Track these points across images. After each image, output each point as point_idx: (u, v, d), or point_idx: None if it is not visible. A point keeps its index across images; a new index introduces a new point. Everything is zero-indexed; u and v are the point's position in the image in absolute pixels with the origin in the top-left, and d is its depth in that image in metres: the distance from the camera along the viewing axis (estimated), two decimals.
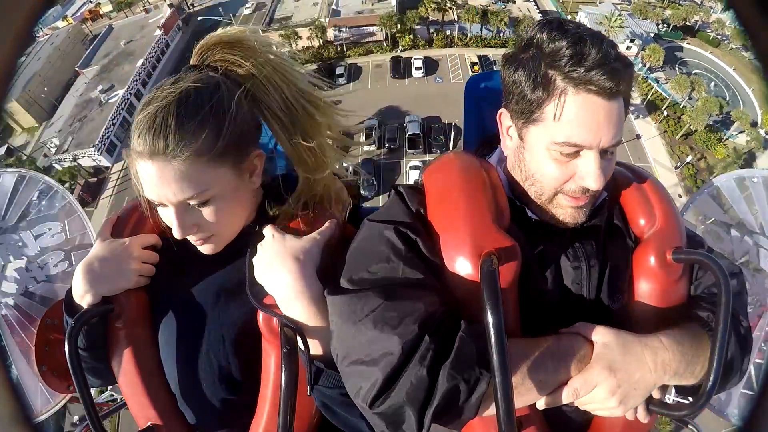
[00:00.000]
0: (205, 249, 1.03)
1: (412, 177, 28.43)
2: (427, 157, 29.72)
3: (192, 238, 1.00)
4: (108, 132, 32.10)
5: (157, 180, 0.90)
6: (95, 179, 31.38)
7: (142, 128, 0.89)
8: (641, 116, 33.16)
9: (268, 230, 1.00)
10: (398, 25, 40.45)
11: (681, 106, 32.96)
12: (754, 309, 1.58)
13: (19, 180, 1.72)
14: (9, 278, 1.66)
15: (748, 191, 1.61)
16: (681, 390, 0.97)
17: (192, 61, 1.00)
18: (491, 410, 0.79)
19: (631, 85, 0.89)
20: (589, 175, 0.88)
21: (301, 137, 1.00)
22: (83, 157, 31.25)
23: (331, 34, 40.33)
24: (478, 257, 0.85)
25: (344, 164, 1.20)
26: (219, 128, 0.92)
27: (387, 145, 29.80)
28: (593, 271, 0.97)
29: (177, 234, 0.95)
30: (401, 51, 39.86)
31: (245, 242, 1.04)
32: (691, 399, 0.90)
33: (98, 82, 37.20)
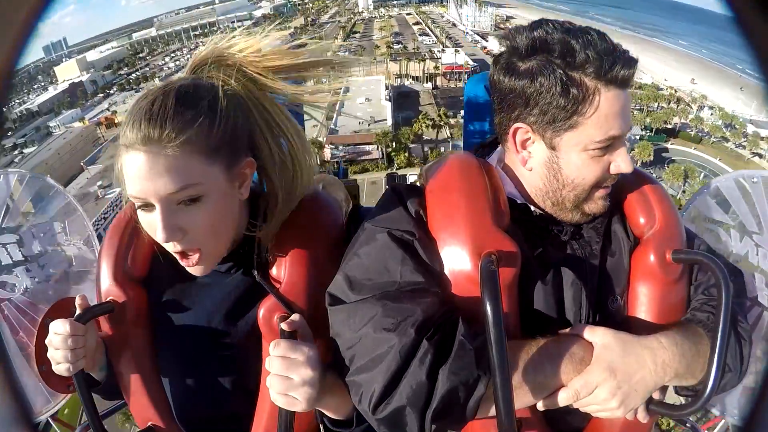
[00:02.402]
0: (196, 270, 0.97)
1: None
2: None
3: (177, 251, 0.93)
4: (98, 225, 32.53)
5: (146, 171, 0.85)
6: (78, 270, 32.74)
7: (136, 117, 0.86)
8: None
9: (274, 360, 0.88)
10: (393, 143, 41.87)
11: (677, 198, 33.64)
12: (754, 309, 1.57)
13: (19, 180, 1.71)
14: (9, 278, 1.66)
15: (748, 191, 1.61)
16: (681, 390, 0.97)
17: (185, 74, 0.99)
18: (491, 411, 0.80)
19: None
20: (624, 161, 0.93)
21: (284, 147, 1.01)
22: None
23: (328, 153, 41.45)
24: (477, 258, 0.85)
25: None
26: (214, 122, 0.90)
27: None
28: (592, 272, 0.97)
29: (161, 237, 0.88)
30: (397, 169, 40.76)
31: (242, 258, 1.03)
32: (690, 399, 0.90)
33: (98, 179, 38.81)
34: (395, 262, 0.88)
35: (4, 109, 0.61)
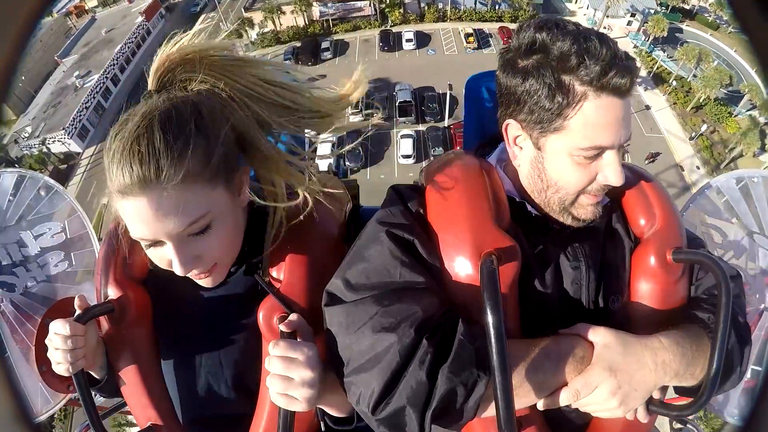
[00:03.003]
0: (208, 282, 0.96)
1: (404, 147, 26.67)
2: (420, 127, 28.13)
3: (194, 273, 0.92)
4: (80, 115, 31.26)
5: (153, 214, 0.80)
6: (65, 165, 30.36)
7: (123, 160, 0.79)
8: (649, 88, 32.37)
9: (273, 360, 0.87)
10: None
11: (688, 80, 32.31)
12: (753, 310, 1.57)
13: (19, 180, 1.72)
14: (9, 278, 1.66)
15: (748, 191, 1.61)
16: (681, 390, 0.97)
17: (151, 86, 0.91)
18: (491, 411, 0.79)
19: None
20: (613, 173, 0.90)
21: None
22: (53, 142, 30.36)
23: (316, 11, 38.15)
24: (478, 257, 0.85)
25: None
26: (207, 146, 0.85)
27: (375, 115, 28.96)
28: (593, 271, 0.97)
29: (179, 271, 0.87)
30: (391, 26, 37.46)
31: (243, 258, 1.02)
32: (690, 399, 0.90)
33: (76, 69, 36.65)
34: (395, 261, 0.88)
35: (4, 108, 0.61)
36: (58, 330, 1.00)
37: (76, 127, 31.01)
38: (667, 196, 1.06)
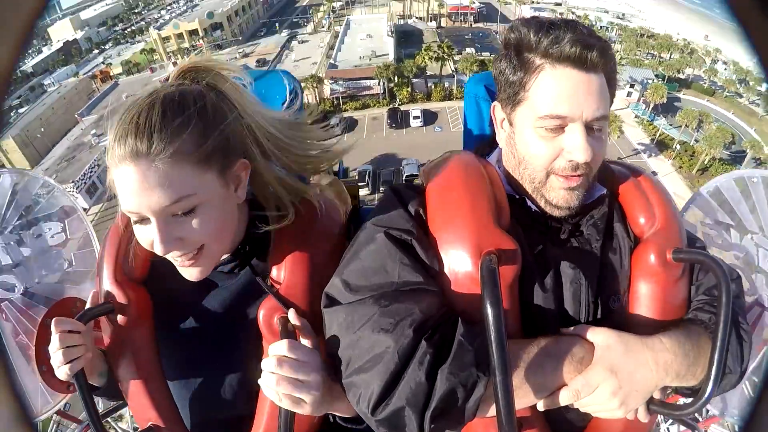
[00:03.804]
0: (193, 273, 0.94)
1: None
2: None
3: (177, 259, 0.91)
4: (91, 171, 32.12)
5: (138, 186, 0.82)
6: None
7: (123, 131, 0.83)
8: (653, 155, 33.60)
9: (270, 360, 0.87)
10: (395, 77, 40.29)
11: (691, 144, 33.46)
12: (754, 309, 1.57)
13: (19, 180, 1.72)
14: (9, 278, 1.66)
15: (748, 191, 1.61)
16: (681, 390, 0.97)
17: (170, 81, 0.97)
18: (491, 411, 0.79)
19: (611, 65, 0.92)
20: (576, 147, 0.90)
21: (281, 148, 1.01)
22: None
23: (327, 88, 40.37)
24: (478, 257, 0.85)
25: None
26: (205, 129, 0.87)
27: (382, 189, 29.69)
28: (592, 271, 0.97)
29: (159, 250, 0.86)
30: (399, 104, 39.57)
31: (244, 258, 1.03)
32: (691, 399, 0.90)
33: (93, 128, 38.39)
34: (393, 262, 0.88)
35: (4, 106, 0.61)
36: (59, 326, 1.00)
37: (85, 183, 31.76)
38: (668, 195, 1.06)
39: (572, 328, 0.91)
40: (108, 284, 1.08)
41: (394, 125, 35.34)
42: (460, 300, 0.88)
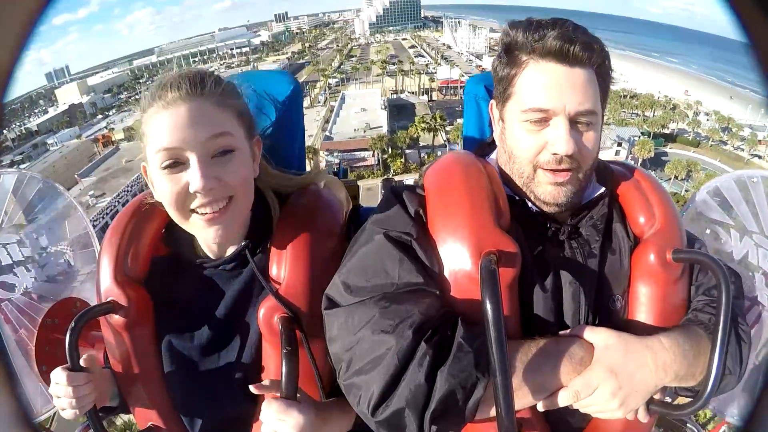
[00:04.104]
0: (218, 230, 0.95)
1: None
2: None
3: (207, 210, 0.93)
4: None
5: (187, 120, 0.90)
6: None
7: (173, 81, 0.93)
8: None
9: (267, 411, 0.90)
10: (389, 148, 41.89)
11: (682, 194, 34.19)
12: (754, 309, 1.57)
13: (19, 180, 1.72)
14: (9, 278, 1.66)
15: (748, 191, 1.61)
16: (680, 390, 0.97)
17: None
18: (491, 412, 0.79)
19: (598, 58, 0.93)
20: (557, 139, 0.91)
21: None
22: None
23: (323, 160, 41.84)
24: (478, 257, 0.85)
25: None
26: (237, 90, 1.03)
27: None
28: (592, 271, 0.97)
29: (199, 184, 0.89)
30: (393, 175, 40.95)
31: (244, 258, 1.03)
32: (690, 399, 0.90)
33: (92, 189, 39.81)
34: (393, 263, 0.88)
35: (4, 104, 0.61)
36: (59, 380, 1.01)
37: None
38: (667, 196, 1.06)
39: (572, 328, 0.91)
40: (108, 284, 1.08)
41: None
42: (460, 300, 0.88)
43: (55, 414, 1.73)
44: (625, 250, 1.00)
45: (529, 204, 1.00)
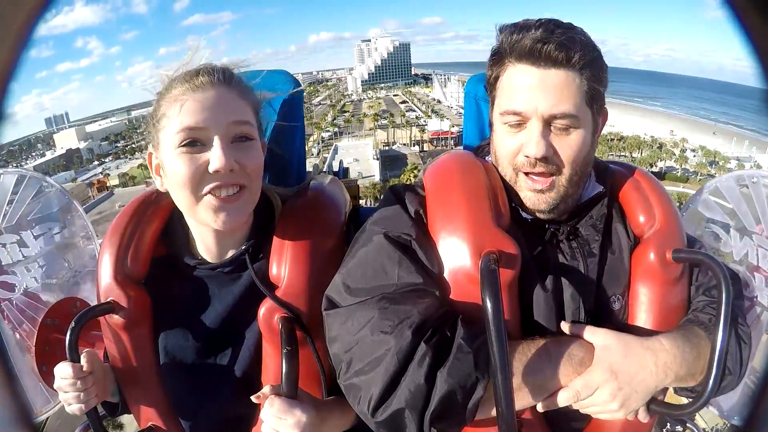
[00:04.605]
0: (228, 214, 0.95)
1: None
2: None
3: (221, 192, 0.94)
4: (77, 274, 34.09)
5: (215, 103, 0.94)
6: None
7: (203, 70, 0.97)
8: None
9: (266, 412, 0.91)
10: (381, 195, 42.74)
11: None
12: (754, 309, 1.57)
13: (19, 180, 1.71)
14: (9, 278, 1.66)
15: (748, 191, 1.61)
16: (680, 391, 0.97)
17: None
18: (491, 412, 0.79)
19: (585, 59, 0.89)
20: (530, 140, 0.91)
21: None
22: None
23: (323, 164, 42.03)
24: (478, 257, 0.85)
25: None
26: (252, 88, 1.06)
27: None
28: (591, 271, 0.97)
29: (221, 163, 0.91)
30: None
31: (244, 259, 1.04)
32: (690, 399, 0.90)
33: (82, 231, 40.54)
34: (392, 263, 0.88)
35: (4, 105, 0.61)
36: (64, 374, 1.02)
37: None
38: (667, 196, 1.06)
39: (572, 328, 0.91)
40: (108, 284, 1.08)
41: None
42: (461, 300, 0.88)
43: (47, 420, 1.74)
44: (625, 250, 1.00)
45: (522, 212, 1.00)
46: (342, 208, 1.15)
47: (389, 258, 0.89)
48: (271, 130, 1.24)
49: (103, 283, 1.09)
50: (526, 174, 0.94)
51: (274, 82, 1.28)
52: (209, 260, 1.07)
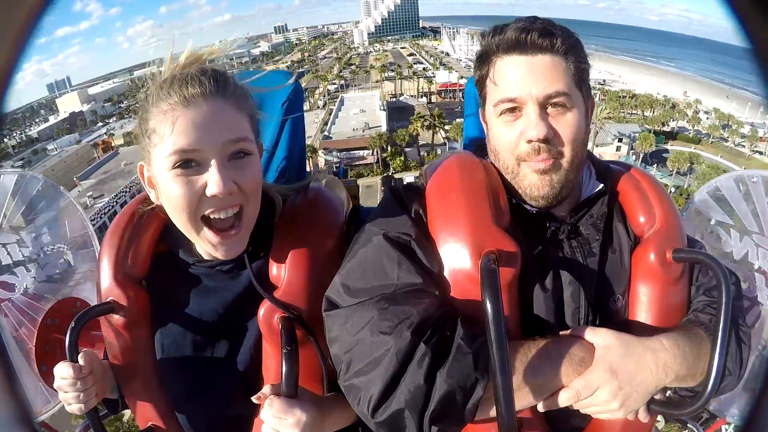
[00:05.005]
0: (227, 248, 0.95)
1: None
2: None
3: (222, 212, 0.91)
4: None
5: (208, 121, 0.87)
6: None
7: (191, 78, 0.88)
8: None
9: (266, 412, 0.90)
10: (388, 147, 42.43)
11: (685, 187, 34.79)
12: (754, 309, 1.57)
13: (19, 180, 1.71)
14: (9, 278, 1.66)
15: (748, 191, 1.61)
16: (680, 391, 0.97)
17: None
18: (491, 413, 0.79)
19: (566, 44, 0.93)
20: (529, 124, 0.93)
21: None
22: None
23: (322, 159, 42.30)
24: (478, 257, 0.85)
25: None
26: (249, 94, 0.99)
27: None
28: (591, 270, 0.97)
29: (217, 187, 0.87)
30: (393, 173, 41.46)
31: (241, 261, 1.03)
32: (690, 399, 0.90)
33: (90, 191, 40.71)
34: (392, 264, 0.88)
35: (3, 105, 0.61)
36: (64, 374, 1.02)
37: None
38: (667, 195, 1.06)
39: (572, 328, 0.91)
40: (107, 284, 1.08)
41: None
42: (460, 300, 0.88)
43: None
44: (626, 250, 1.00)
45: (528, 207, 1.00)
46: (342, 208, 1.15)
47: (389, 258, 0.89)
48: (271, 129, 1.24)
49: (103, 283, 1.09)
50: (527, 161, 0.95)
51: (274, 81, 1.28)
52: (208, 259, 1.07)
